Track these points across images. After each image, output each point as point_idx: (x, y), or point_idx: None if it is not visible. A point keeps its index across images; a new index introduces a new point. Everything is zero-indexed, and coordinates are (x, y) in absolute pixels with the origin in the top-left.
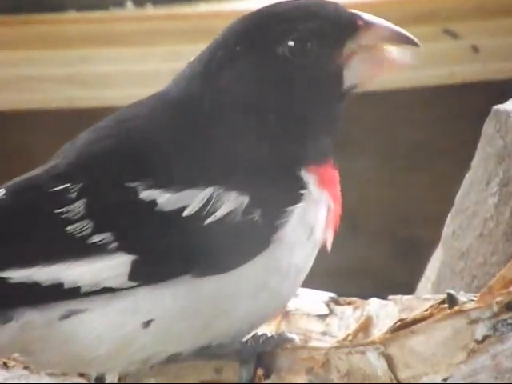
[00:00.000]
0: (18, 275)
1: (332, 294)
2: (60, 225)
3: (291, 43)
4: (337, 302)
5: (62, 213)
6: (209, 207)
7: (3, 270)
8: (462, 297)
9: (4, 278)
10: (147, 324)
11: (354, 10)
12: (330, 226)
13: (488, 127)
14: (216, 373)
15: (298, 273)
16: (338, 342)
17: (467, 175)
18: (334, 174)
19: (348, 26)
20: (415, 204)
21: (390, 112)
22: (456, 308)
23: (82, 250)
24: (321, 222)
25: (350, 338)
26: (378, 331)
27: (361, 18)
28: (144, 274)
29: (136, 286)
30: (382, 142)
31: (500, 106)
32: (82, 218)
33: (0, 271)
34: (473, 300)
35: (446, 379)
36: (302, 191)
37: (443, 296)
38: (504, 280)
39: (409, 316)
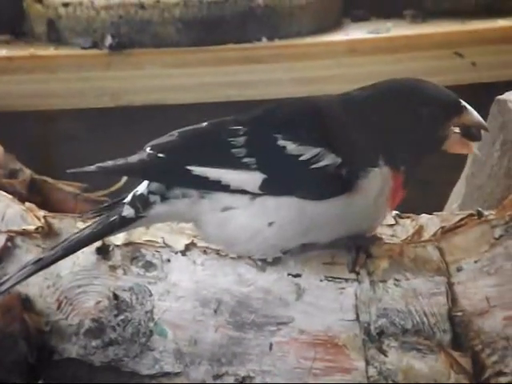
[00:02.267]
0: (197, 169)
1: (397, 212)
2: (228, 147)
3: (425, 110)
4: (400, 217)
5: (231, 141)
6: (315, 159)
7: (189, 164)
8: (485, 212)
9: (189, 170)
10: (271, 224)
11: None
12: (393, 200)
13: (493, 109)
14: (332, 258)
15: (372, 213)
16: (402, 241)
17: None
18: (401, 191)
19: (457, 107)
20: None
21: None
22: (482, 218)
23: (236, 164)
24: (386, 191)
25: (409, 239)
26: (427, 235)
27: (463, 103)
28: (268, 188)
29: (263, 195)
30: None
31: (500, 96)
32: (241, 147)
33: (187, 165)
34: (492, 214)
35: (476, 261)
36: (376, 168)
37: (470, 212)
38: None
39: (447, 224)
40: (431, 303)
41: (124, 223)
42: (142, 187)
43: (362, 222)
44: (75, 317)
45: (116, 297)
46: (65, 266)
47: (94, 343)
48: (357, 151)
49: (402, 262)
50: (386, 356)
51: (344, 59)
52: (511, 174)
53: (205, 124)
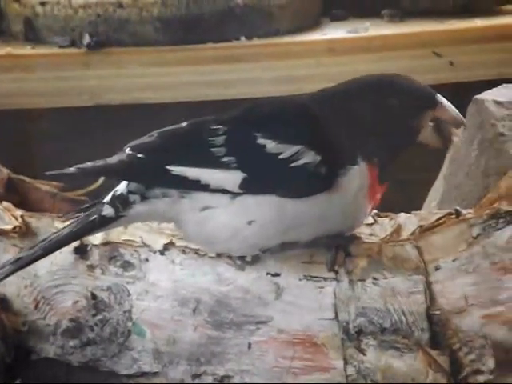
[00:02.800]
0: (176, 169)
1: (375, 211)
2: (208, 146)
3: (396, 101)
4: (378, 216)
5: (211, 140)
6: (295, 157)
7: (168, 164)
8: (463, 211)
9: (168, 169)
10: (250, 222)
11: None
12: (371, 197)
13: (471, 109)
14: (311, 257)
15: (352, 212)
16: (380, 240)
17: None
18: (379, 187)
19: (431, 101)
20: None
21: None
22: (461, 217)
23: (216, 163)
24: (365, 188)
25: (387, 238)
26: (406, 234)
27: (439, 97)
28: (248, 186)
29: (243, 194)
30: None
31: (478, 96)
32: (220, 146)
33: (167, 165)
34: (470, 213)
35: (454, 260)
36: (355, 165)
37: (448, 211)
38: (490, 200)
39: (425, 223)
40: (409, 302)
41: (104, 222)
42: (122, 187)
43: (342, 220)
44: (53, 316)
45: (94, 296)
46: (42, 266)
47: (71, 343)
48: (336, 149)
49: (380, 261)
50: (364, 355)
51: (323, 58)
52: (489, 172)
53: (185, 124)
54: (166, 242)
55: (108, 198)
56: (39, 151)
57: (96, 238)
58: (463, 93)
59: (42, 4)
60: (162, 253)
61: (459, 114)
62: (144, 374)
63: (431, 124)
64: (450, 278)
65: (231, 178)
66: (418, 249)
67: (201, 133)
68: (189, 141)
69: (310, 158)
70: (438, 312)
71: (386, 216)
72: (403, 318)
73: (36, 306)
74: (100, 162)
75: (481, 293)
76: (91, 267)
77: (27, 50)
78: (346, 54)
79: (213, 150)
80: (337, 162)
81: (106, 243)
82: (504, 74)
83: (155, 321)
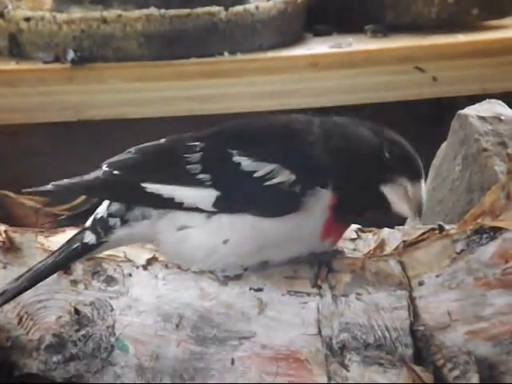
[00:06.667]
0: (150, 187)
1: (359, 226)
2: (183, 163)
3: (387, 155)
4: (362, 231)
5: (187, 157)
6: (270, 175)
7: (143, 182)
8: (446, 226)
9: (143, 187)
10: (225, 242)
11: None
12: (325, 231)
13: (454, 124)
14: (294, 272)
15: (317, 233)
16: (364, 255)
17: (438, 152)
18: (333, 226)
19: (414, 175)
20: None
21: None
22: (444, 232)
23: (190, 181)
24: (324, 216)
25: (371, 253)
26: (389, 248)
27: (422, 179)
28: (221, 205)
29: (218, 213)
30: None
31: (461, 111)
32: (196, 163)
33: (142, 182)
34: (453, 228)
35: (437, 276)
36: (325, 189)
37: (431, 226)
38: (473, 215)
39: (409, 239)
40: (393, 317)
41: (86, 250)
42: (103, 209)
43: (310, 242)
44: (36, 332)
45: (77, 312)
46: None
47: (54, 358)
48: (310, 169)
49: (363, 276)
50: (347, 371)
51: (306, 73)
52: (472, 188)
53: (163, 140)
54: (148, 257)
55: (89, 223)
56: (22, 166)
57: None
58: (447, 108)
59: (27, 20)
60: (145, 268)
61: (421, 207)
62: None
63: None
64: (434, 294)
65: (205, 196)
66: (401, 264)
67: (177, 149)
68: (165, 158)
69: (284, 176)
70: (421, 328)
71: (370, 231)
72: (387, 333)
73: (19, 322)
74: (76, 179)
75: (465, 309)
76: (74, 282)
77: (11, 65)
78: (329, 69)
79: (188, 167)
80: (309, 183)
81: (89, 258)
82: (487, 89)
83: (138, 336)
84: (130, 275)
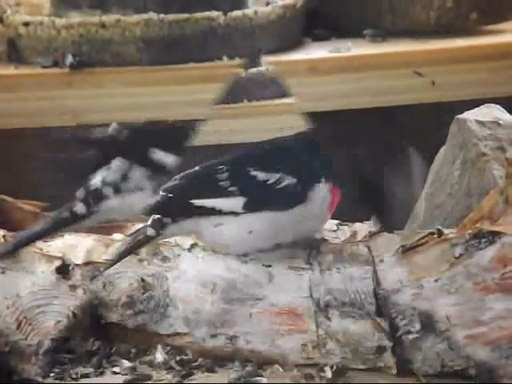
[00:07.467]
0: (197, 202)
1: (338, 221)
2: (216, 182)
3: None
4: (340, 224)
5: (218, 177)
6: (278, 181)
7: (191, 199)
8: (445, 231)
9: (191, 203)
10: (250, 232)
11: None
12: (332, 206)
13: (453, 128)
14: (293, 253)
15: (320, 217)
16: (342, 241)
17: (437, 157)
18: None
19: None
20: None
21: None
22: (443, 237)
23: (224, 193)
24: (327, 200)
25: (347, 240)
26: (359, 237)
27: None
28: (249, 207)
29: (245, 213)
30: None
31: (460, 115)
32: (225, 180)
33: (190, 199)
34: (452, 232)
35: (436, 280)
36: (319, 183)
37: (430, 230)
38: (472, 220)
39: (408, 243)
40: (362, 284)
41: (75, 219)
42: (96, 182)
43: (313, 224)
44: (35, 337)
45: (143, 280)
46: (24, 286)
47: (128, 312)
48: (306, 173)
49: (342, 256)
50: (330, 321)
51: (304, 78)
52: (471, 192)
53: (197, 167)
54: (192, 243)
55: (81, 195)
56: (21, 171)
57: (78, 258)
58: (445, 112)
59: (26, 25)
60: (189, 250)
61: None
62: (178, 334)
63: None
64: (433, 298)
65: (236, 203)
66: (367, 247)
67: (210, 172)
68: (203, 179)
69: (288, 181)
70: (381, 291)
71: (346, 225)
72: (357, 295)
73: (18, 327)
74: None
75: (464, 313)
76: (73, 287)
77: (10, 70)
78: (327, 74)
79: (220, 183)
80: (307, 182)
81: (87, 263)
82: (486, 94)
83: (185, 297)
84: (179, 255)
